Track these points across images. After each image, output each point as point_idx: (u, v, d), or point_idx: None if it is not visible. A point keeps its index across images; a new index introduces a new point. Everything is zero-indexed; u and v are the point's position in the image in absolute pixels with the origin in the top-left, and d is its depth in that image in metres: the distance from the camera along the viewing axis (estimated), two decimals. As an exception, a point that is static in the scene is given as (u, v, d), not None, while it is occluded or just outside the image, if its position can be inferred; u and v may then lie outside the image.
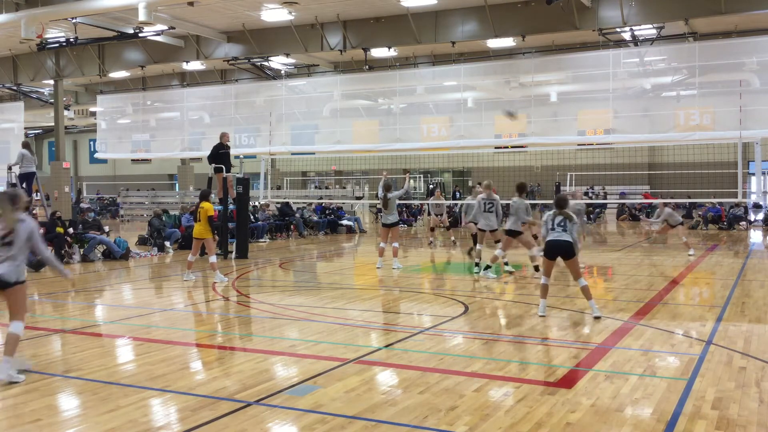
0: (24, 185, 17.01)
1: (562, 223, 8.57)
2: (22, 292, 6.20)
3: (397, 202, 14.19)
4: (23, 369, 6.23)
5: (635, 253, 16.99)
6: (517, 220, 11.96)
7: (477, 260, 13.09)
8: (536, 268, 12.06)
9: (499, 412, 5.17)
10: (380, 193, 13.84)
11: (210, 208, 12.25)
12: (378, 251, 14.27)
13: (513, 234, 12.09)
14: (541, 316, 8.71)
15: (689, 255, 15.57)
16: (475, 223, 13.77)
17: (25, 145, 17.57)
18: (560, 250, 8.57)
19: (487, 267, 12.47)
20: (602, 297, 10.66)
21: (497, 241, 12.59)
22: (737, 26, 22.51)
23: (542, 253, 8.95)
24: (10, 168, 17.03)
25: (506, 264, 13.09)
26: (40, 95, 33.41)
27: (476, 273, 12.78)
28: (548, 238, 8.64)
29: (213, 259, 12.33)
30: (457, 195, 33.93)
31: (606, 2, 20.25)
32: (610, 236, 21.54)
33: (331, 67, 28.91)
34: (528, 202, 12.60)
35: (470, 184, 37.23)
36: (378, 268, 13.80)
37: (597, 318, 8.49)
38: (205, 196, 12.60)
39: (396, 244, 13.99)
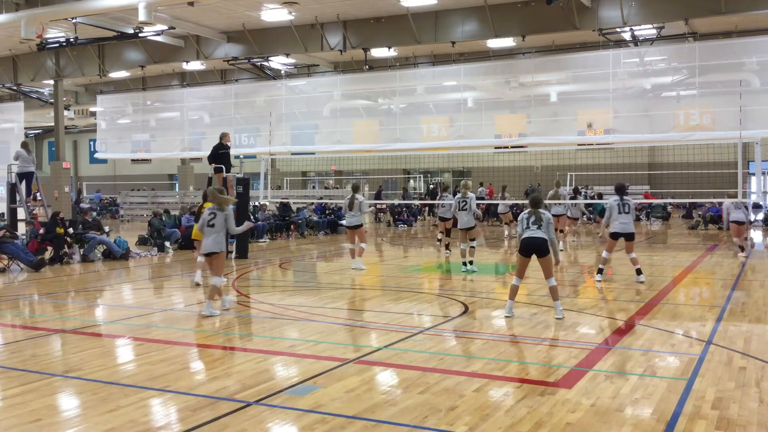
0: (23, 184, 17.06)
1: (537, 222, 8.69)
2: (221, 258, 9.15)
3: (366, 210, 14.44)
4: (225, 308, 9.15)
5: (635, 252, 16.94)
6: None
7: (464, 259, 13.36)
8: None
9: (499, 412, 5.17)
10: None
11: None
12: (350, 253, 14.13)
13: None
14: (506, 317, 8.72)
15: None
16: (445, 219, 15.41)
17: (23, 145, 17.60)
18: (534, 247, 8.64)
19: (470, 262, 13.18)
20: (602, 297, 10.67)
21: (473, 239, 13.32)
22: (737, 26, 22.51)
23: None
24: (10, 166, 17.08)
25: (471, 263, 13.31)
26: (40, 95, 33.42)
27: (464, 272, 13.14)
28: (524, 236, 8.74)
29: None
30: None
31: (606, 2, 20.26)
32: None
33: (331, 67, 28.92)
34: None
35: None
36: (353, 269, 13.69)
37: (559, 319, 8.56)
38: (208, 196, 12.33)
39: (363, 245, 13.97)
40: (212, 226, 9.14)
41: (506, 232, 22.21)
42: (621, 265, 14.59)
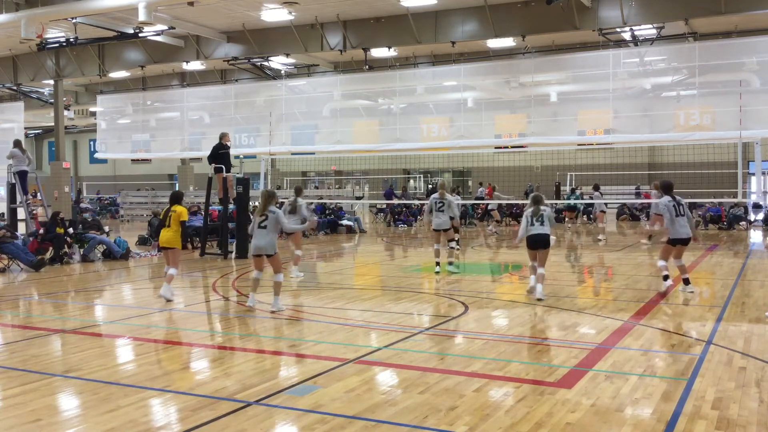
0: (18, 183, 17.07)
1: (540, 218, 9.84)
2: (278, 258, 9.29)
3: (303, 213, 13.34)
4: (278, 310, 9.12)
5: (635, 253, 16.98)
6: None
7: (437, 259, 12.95)
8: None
9: (499, 412, 5.17)
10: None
11: (184, 212, 10.30)
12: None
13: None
14: (531, 287, 10.14)
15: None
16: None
17: (16, 144, 17.58)
18: (541, 241, 9.87)
19: (450, 263, 13.12)
20: (602, 297, 10.67)
21: (450, 240, 13.10)
22: (737, 26, 22.52)
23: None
24: (11, 158, 17.11)
25: (451, 263, 13.16)
26: (40, 95, 33.42)
27: (444, 272, 12.88)
28: (530, 233, 9.93)
29: (173, 271, 10.32)
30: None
31: (606, 2, 20.26)
32: (610, 236, 21.54)
33: (331, 67, 28.92)
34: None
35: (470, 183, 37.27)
36: (293, 277, 12.75)
37: (540, 300, 9.69)
38: (177, 199, 10.50)
39: (299, 252, 13.23)
40: (264, 227, 9.16)
41: (492, 229, 22.84)
42: (621, 265, 14.60)
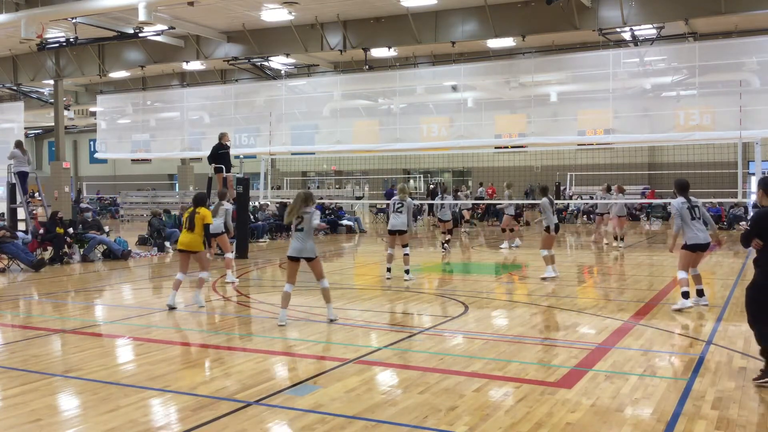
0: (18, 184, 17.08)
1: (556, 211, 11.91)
2: (320, 262, 8.71)
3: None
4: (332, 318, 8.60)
5: (635, 253, 16.98)
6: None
7: (388, 265, 12.45)
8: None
9: (499, 412, 5.17)
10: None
11: (208, 215, 9.99)
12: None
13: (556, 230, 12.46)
14: (551, 277, 11.96)
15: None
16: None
17: (17, 144, 17.61)
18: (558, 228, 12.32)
19: (406, 271, 12.25)
20: (602, 297, 10.67)
21: (405, 245, 12.27)
22: (737, 26, 22.50)
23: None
24: (11, 159, 17.13)
25: (408, 272, 12.30)
26: (40, 95, 33.42)
27: (405, 279, 12.16)
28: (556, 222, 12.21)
29: (205, 275, 10.12)
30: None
31: (606, 2, 20.26)
32: (610, 236, 21.50)
33: (331, 67, 28.91)
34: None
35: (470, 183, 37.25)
36: (228, 282, 12.23)
37: (544, 279, 11.50)
38: (202, 201, 10.16)
39: (229, 255, 12.73)
40: (301, 230, 8.46)
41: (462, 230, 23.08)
42: (621, 265, 14.60)
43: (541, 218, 12.66)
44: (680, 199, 9.20)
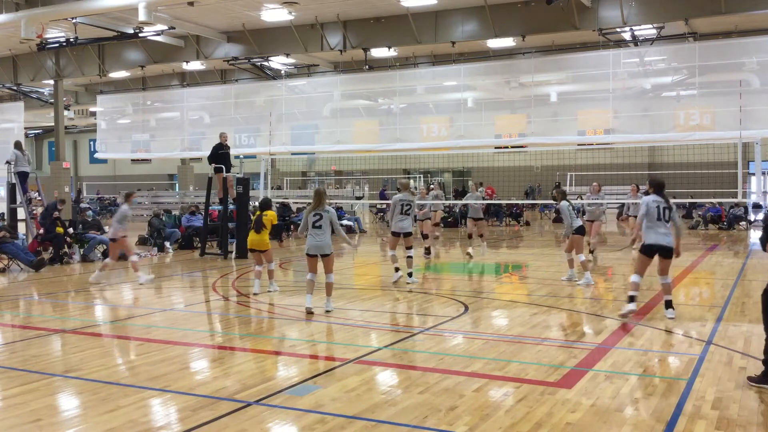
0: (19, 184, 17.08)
1: (578, 213, 11.93)
2: (333, 258, 9.31)
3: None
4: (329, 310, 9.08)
5: (635, 253, 16.95)
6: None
7: (395, 264, 11.98)
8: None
9: (499, 412, 5.17)
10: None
11: (275, 216, 11.43)
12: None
13: (582, 232, 11.69)
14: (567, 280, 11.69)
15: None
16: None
17: (17, 145, 17.61)
18: (583, 230, 11.90)
19: (409, 274, 11.79)
20: (602, 297, 10.66)
21: (409, 247, 11.79)
22: (737, 26, 22.51)
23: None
24: (8, 162, 17.12)
25: (410, 275, 11.78)
26: (40, 95, 33.42)
27: (408, 282, 11.67)
28: (578, 224, 11.63)
29: (272, 266, 11.27)
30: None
31: (606, 2, 20.27)
32: (610, 236, 21.53)
33: (331, 67, 28.92)
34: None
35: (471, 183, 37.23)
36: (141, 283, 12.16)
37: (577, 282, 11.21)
38: (268, 205, 11.18)
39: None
40: (319, 227, 9.11)
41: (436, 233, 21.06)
42: (621, 265, 14.59)
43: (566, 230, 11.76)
44: (652, 197, 8.54)
